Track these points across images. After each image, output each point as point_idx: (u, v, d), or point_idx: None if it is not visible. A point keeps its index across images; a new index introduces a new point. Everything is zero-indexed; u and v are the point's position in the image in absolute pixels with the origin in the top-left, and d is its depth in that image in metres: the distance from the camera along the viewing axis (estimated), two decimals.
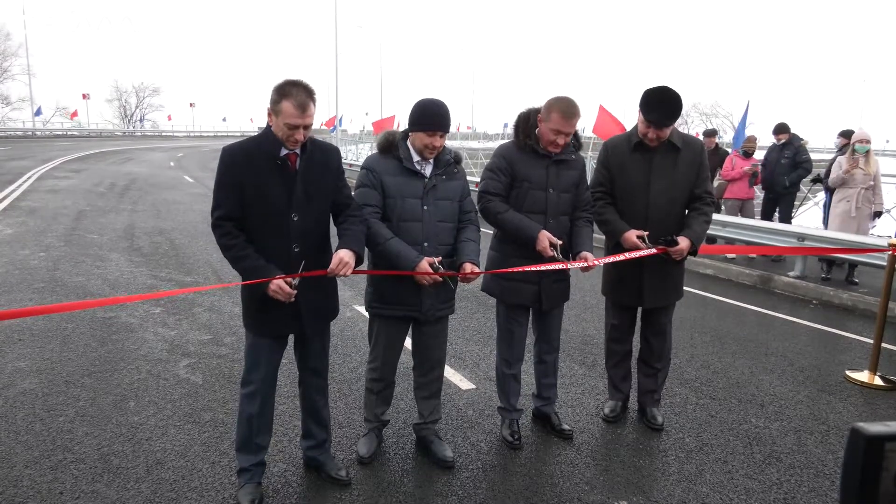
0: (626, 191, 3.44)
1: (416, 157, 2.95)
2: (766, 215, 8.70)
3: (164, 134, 60.79)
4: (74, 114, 55.93)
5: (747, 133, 9.31)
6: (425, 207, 2.94)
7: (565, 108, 3.06)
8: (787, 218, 8.49)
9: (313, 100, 2.53)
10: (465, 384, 4.18)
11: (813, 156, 8.65)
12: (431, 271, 2.84)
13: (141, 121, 68.00)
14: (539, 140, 3.17)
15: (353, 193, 2.94)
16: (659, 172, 3.38)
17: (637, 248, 3.30)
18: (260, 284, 2.55)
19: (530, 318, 3.45)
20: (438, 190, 2.98)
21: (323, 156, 2.73)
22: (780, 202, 8.49)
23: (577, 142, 3.27)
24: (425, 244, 2.94)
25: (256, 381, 2.78)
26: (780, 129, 8.33)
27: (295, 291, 2.57)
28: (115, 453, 3.18)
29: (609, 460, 3.27)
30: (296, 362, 2.99)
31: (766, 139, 9.64)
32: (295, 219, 2.61)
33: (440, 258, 2.90)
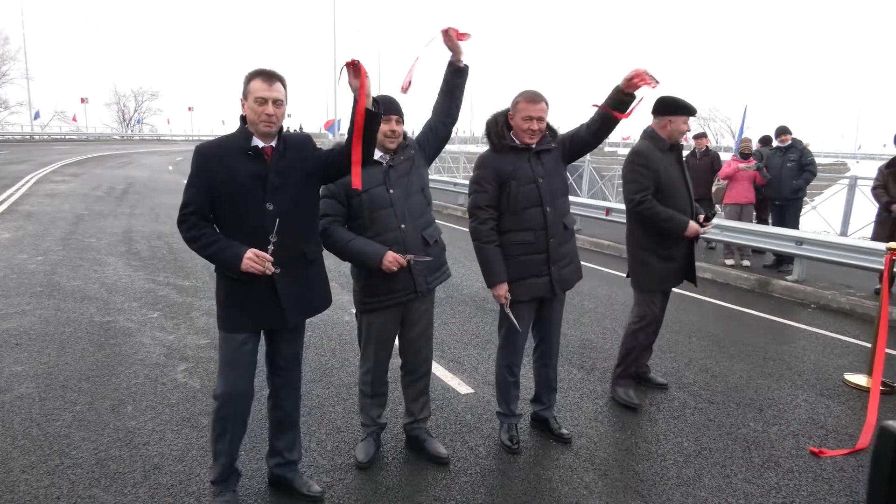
0: (671, 189, 3.81)
1: (377, 154, 2.95)
2: (776, 224, 8.30)
3: (162, 138, 60.78)
4: (74, 119, 55.98)
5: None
6: (391, 191, 2.96)
7: (529, 94, 3.16)
8: (795, 224, 8.17)
9: (280, 80, 2.54)
10: (464, 388, 4.17)
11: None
12: (400, 260, 2.87)
13: (138, 122, 67.91)
14: (515, 137, 3.21)
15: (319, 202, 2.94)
16: (686, 170, 3.95)
17: (696, 233, 3.78)
18: (234, 272, 2.49)
19: (530, 324, 3.45)
20: (398, 169, 3.01)
21: (298, 141, 2.69)
22: (788, 209, 8.17)
23: (552, 131, 3.29)
24: (402, 226, 2.96)
25: (228, 388, 2.67)
26: (783, 130, 8.15)
27: (272, 259, 2.50)
28: (112, 458, 3.17)
29: (608, 465, 3.26)
30: (266, 373, 2.88)
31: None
32: (270, 208, 2.55)
33: (410, 256, 2.92)
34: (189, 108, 68.14)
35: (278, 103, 2.52)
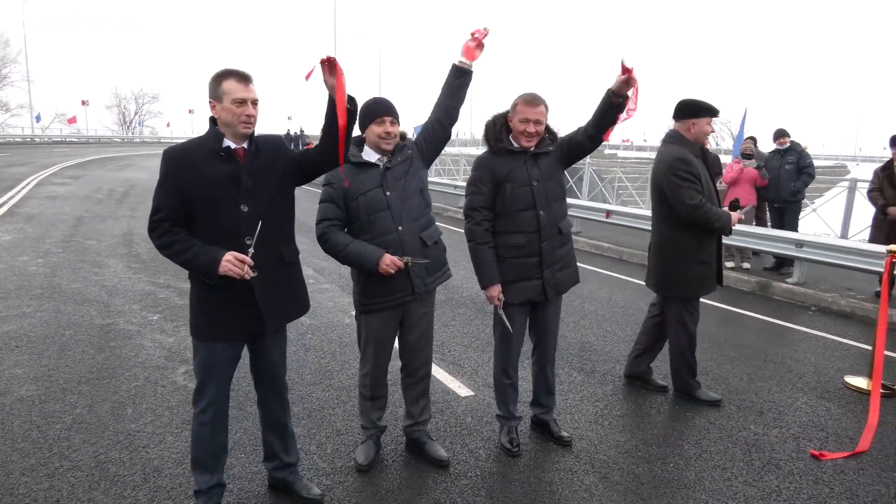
0: (708, 193, 3.87)
1: (375, 157, 2.98)
2: (775, 227, 8.28)
3: (163, 140, 60.71)
4: (72, 120, 55.96)
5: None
6: (387, 193, 2.96)
7: (527, 97, 3.18)
8: (794, 227, 8.17)
9: (252, 80, 2.49)
10: (464, 391, 4.17)
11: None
12: (397, 262, 2.87)
13: (139, 125, 68.04)
14: (513, 140, 3.22)
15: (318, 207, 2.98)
16: (710, 173, 4.01)
17: (737, 220, 3.91)
18: (211, 276, 2.43)
19: (527, 326, 3.45)
20: (395, 171, 3.01)
21: (270, 142, 2.65)
22: (787, 211, 8.17)
23: (551, 135, 3.29)
24: (399, 228, 2.96)
25: (209, 395, 2.62)
26: (781, 133, 8.19)
27: (252, 262, 2.43)
28: (112, 461, 3.17)
29: (608, 468, 3.26)
30: (253, 380, 2.85)
31: (763, 145, 9.57)
32: (244, 210, 2.48)
33: (408, 259, 2.93)
34: (189, 111, 68.21)
35: (256, 103, 2.49)
